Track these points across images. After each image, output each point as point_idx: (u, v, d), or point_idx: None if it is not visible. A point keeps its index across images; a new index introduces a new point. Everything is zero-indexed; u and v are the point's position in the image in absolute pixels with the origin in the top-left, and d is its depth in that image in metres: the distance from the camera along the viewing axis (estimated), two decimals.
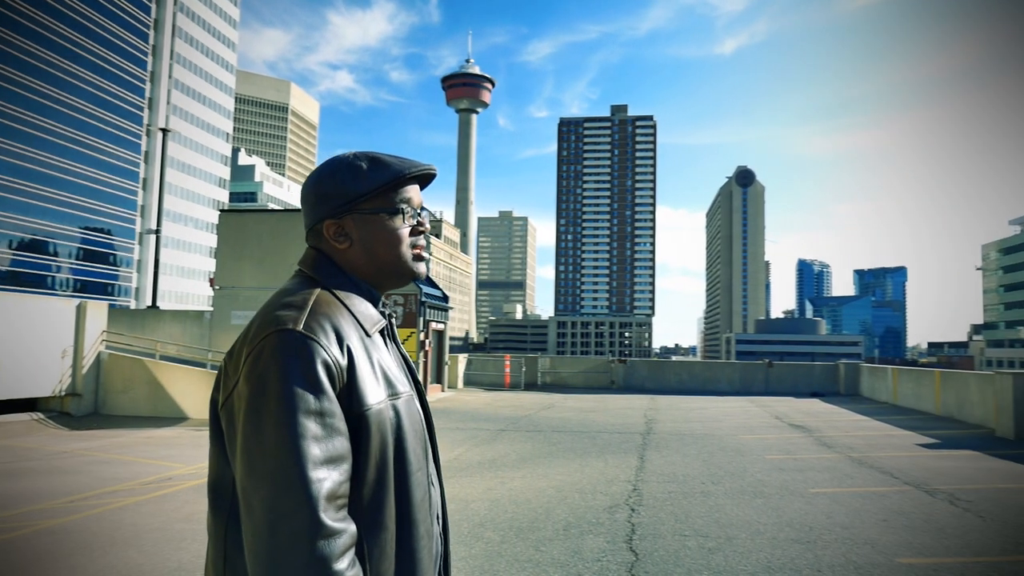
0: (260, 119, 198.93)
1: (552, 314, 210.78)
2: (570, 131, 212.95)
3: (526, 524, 6.30)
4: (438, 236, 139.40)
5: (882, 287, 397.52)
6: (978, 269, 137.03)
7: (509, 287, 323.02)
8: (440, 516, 1.38)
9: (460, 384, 24.74)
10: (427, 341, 20.41)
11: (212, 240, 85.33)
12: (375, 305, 1.34)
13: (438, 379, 22.36)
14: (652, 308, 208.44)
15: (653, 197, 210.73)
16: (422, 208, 1.40)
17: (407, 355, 1.43)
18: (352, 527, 1.11)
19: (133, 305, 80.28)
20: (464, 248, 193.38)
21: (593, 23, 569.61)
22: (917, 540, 5.91)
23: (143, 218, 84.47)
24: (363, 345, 1.23)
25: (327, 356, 1.13)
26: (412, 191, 1.37)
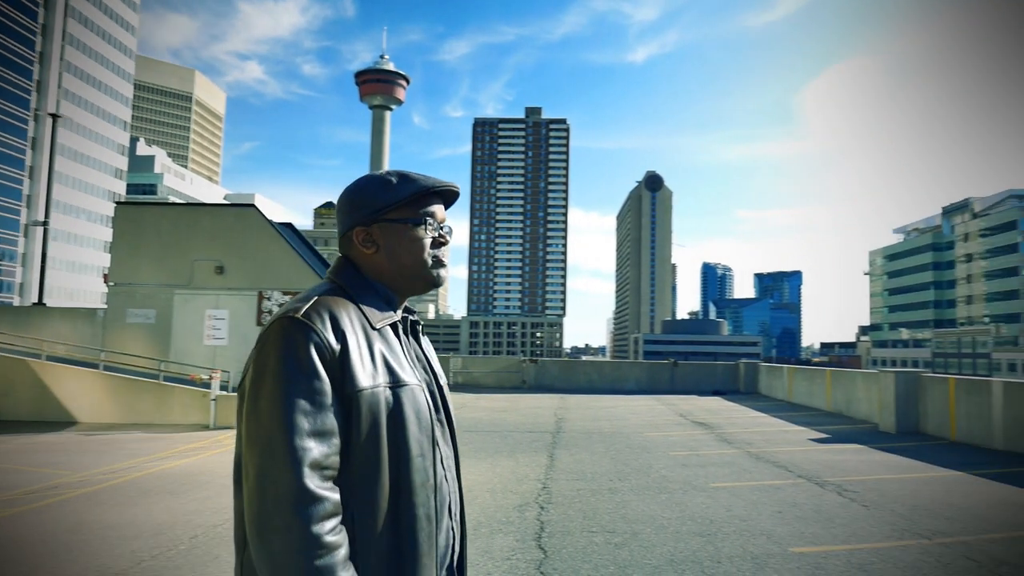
0: (162, 108, 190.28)
1: (465, 314, 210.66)
2: (485, 132, 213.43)
3: None
4: None
5: (780, 290, 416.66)
6: (865, 274, 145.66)
7: None
8: (456, 512, 1.47)
9: None
10: None
11: (107, 234, 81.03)
12: (389, 305, 1.45)
13: None
14: (564, 309, 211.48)
15: (565, 199, 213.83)
16: (443, 223, 1.53)
17: (431, 355, 1.54)
18: (336, 496, 1.20)
19: (17, 302, 75.14)
20: None
21: (510, 25, 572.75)
22: (809, 530, 6.23)
23: (29, 209, 79.16)
24: (364, 335, 1.33)
25: (320, 340, 1.25)
26: (435, 206, 1.51)
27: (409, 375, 1.37)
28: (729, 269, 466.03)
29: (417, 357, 1.48)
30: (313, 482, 1.17)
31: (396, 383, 1.33)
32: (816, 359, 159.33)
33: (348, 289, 1.41)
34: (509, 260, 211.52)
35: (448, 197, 1.56)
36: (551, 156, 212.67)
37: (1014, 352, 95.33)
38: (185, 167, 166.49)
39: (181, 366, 16.95)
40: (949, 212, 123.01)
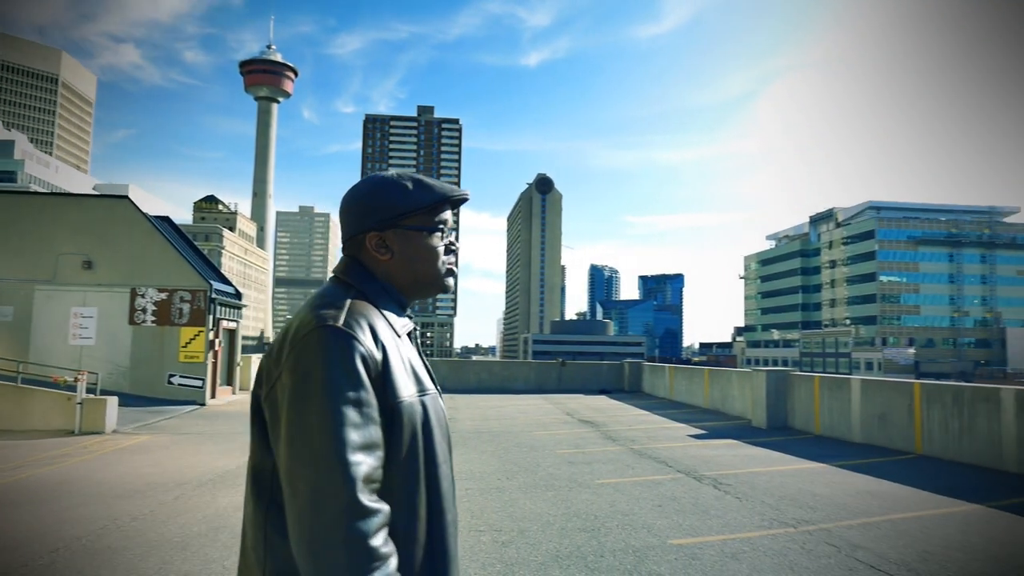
0: (24, 89, 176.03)
1: None
2: (376, 128, 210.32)
3: None
4: (232, 229, 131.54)
5: (663, 292, 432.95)
6: (741, 278, 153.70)
7: (309, 285, 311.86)
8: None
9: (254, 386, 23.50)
10: (217, 341, 19.15)
11: None
12: (403, 311, 1.45)
13: (228, 381, 21.05)
14: (454, 309, 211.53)
15: None
16: (452, 229, 1.53)
17: (426, 360, 1.50)
18: (386, 507, 1.18)
19: None
20: (261, 243, 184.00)
21: (404, 22, 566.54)
22: (686, 522, 6.50)
23: None
24: (395, 344, 1.33)
25: (364, 350, 1.23)
26: (448, 213, 1.50)
27: (429, 383, 1.39)
28: (616, 271, 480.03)
29: (425, 364, 1.47)
30: (366, 496, 1.15)
31: (423, 391, 1.35)
32: (696, 358, 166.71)
33: (368, 295, 1.39)
34: None
35: (456, 203, 1.53)
36: (443, 156, 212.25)
37: (871, 352, 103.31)
38: (50, 154, 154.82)
39: (42, 367, 15.74)
40: (816, 221, 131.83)
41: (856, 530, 6.29)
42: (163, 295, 18.58)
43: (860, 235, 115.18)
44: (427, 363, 1.48)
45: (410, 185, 1.44)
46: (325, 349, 1.21)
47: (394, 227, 1.42)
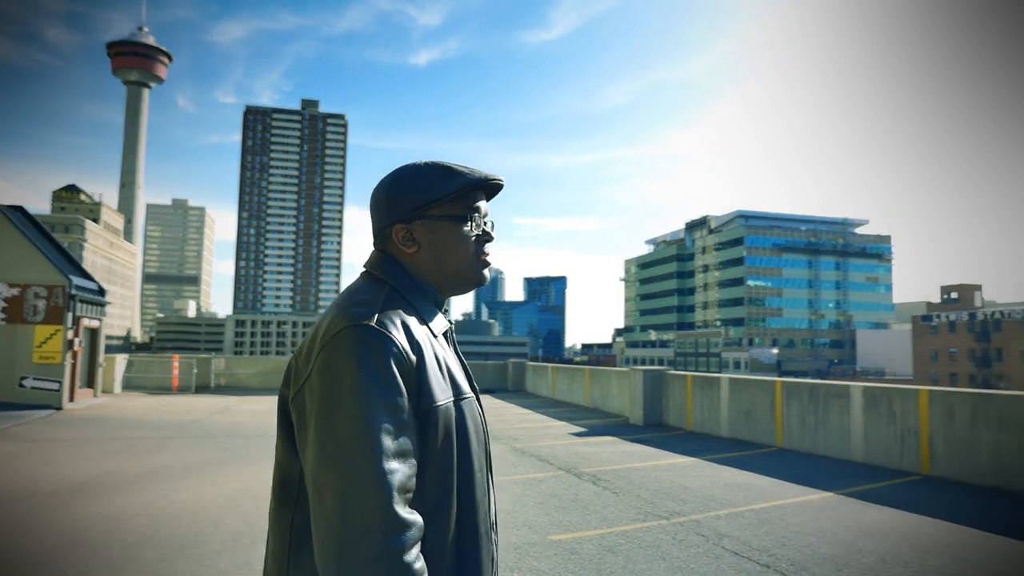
0: None
1: (230, 312, 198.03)
2: (257, 120, 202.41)
3: (191, 539, 5.83)
4: (96, 221, 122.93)
5: (547, 293, 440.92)
6: (621, 280, 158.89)
7: (182, 282, 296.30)
8: (495, 525, 1.37)
9: (118, 388, 22.03)
10: (77, 340, 17.83)
11: None
12: (439, 308, 1.37)
13: (90, 383, 19.65)
14: None
15: (342, 196, 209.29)
16: (487, 217, 1.41)
17: (465, 360, 1.43)
18: (419, 520, 1.10)
19: None
20: (129, 236, 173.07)
21: (290, 13, 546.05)
22: (566, 518, 6.67)
23: None
24: (430, 344, 1.25)
25: (399, 351, 1.15)
26: (480, 200, 1.39)
27: (466, 386, 1.30)
28: (502, 272, 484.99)
29: (461, 364, 1.38)
30: (400, 507, 1.07)
31: (459, 396, 1.26)
32: (578, 358, 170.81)
33: (402, 290, 1.30)
34: (281, 256, 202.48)
35: (491, 189, 1.43)
36: (328, 151, 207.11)
37: (738, 351, 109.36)
38: None
39: None
40: (691, 227, 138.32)
41: (723, 520, 6.66)
42: (15, 291, 17.11)
43: (730, 242, 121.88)
44: (465, 364, 1.40)
45: (435, 173, 1.34)
46: (357, 349, 1.13)
47: (420, 218, 1.33)
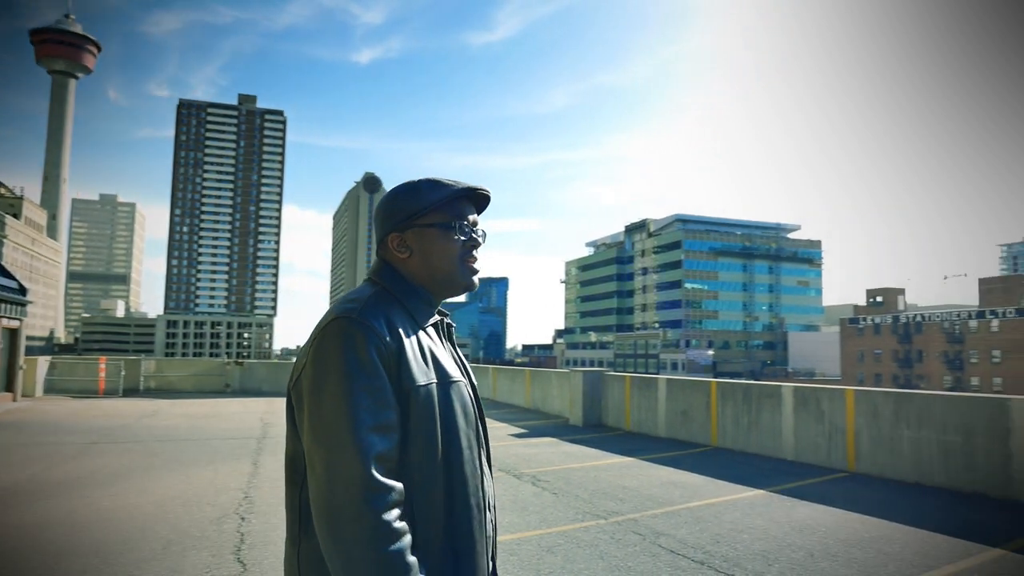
0: None
1: (161, 312, 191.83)
2: (191, 115, 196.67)
3: (117, 547, 5.62)
4: (17, 216, 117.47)
5: (488, 295, 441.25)
6: (562, 282, 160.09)
7: (110, 280, 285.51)
8: (493, 505, 1.52)
9: (39, 392, 21.09)
10: None
11: None
12: (430, 307, 1.52)
13: (9, 387, 18.75)
14: (275, 308, 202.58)
15: (280, 194, 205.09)
16: (476, 226, 1.56)
17: (464, 358, 1.60)
18: (399, 485, 1.26)
19: None
20: (52, 233, 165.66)
21: (228, 6, 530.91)
22: (506, 519, 6.68)
23: None
24: (414, 334, 1.42)
25: (378, 339, 1.32)
26: (467, 209, 1.55)
27: (455, 372, 1.46)
28: None
29: (453, 357, 1.54)
30: (379, 473, 1.23)
31: (445, 379, 1.41)
32: (519, 360, 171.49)
33: (392, 291, 1.47)
34: (215, 255, 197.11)
35: (480, 201, 1.60)
36: (265, 148, 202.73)
37: (676, 353, 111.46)
38: None
39: None
40: (630, 230, 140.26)
41: (660, 518, 6.78)
42: None
43: (669, 245, 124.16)
44: (459, 356, 1.58)
45: (424, 186, 1.51)
46: (340, 338, 1.30)
47: (411, 227, 1.50)
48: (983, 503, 7.66)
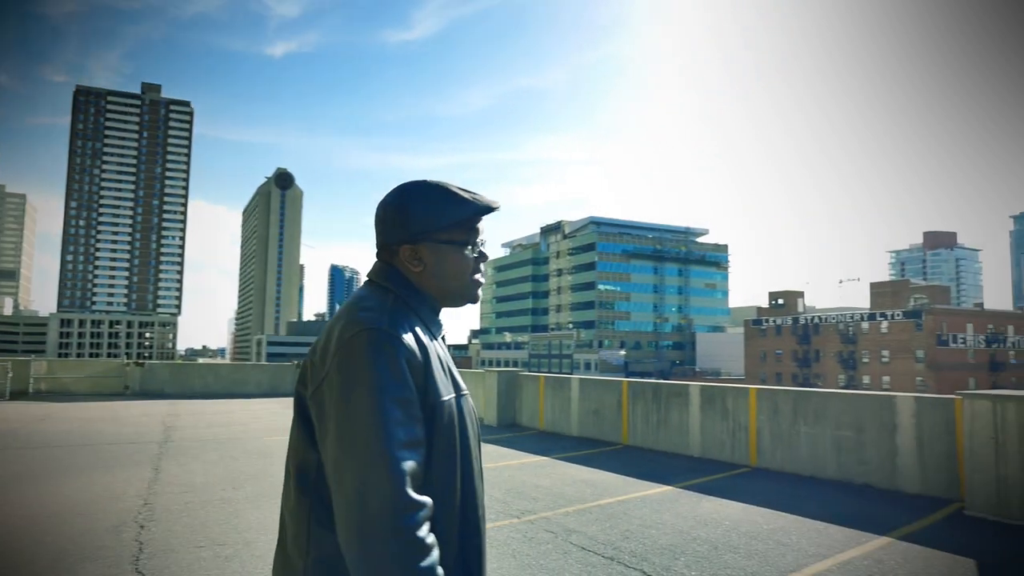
0: None
1: (54, 310, 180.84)
2: (89, 102, 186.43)
3: (8, 560, 5.28)
4: None
5: None
6: None
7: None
8: (483, 517, 1.51)
9: None
10: None
11: None
12: (436, 315, 1.50)
13: None
14: (179, 307, 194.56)
15: (186, 188, 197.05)
16: (481, 236, 1.53)
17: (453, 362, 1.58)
18: (429, 501, 1.24)
19: None
20: None
21: None
22: None
23: None
24: (432, 346, 1.39)
25: (408, 352, 1.30)
26: (480, 224, 1.51)
27: (463, 384, 1.46)
28: (357, 272, 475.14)
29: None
30: (412, 490, 1.21)
31: (459, 393, 1.42)
32: None
33: (405, 299, 1.43)
34: (115, 251, 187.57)
35: (489, 214, 1.54)
36: (171, 140, 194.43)
37: (589, 353, 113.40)
38: None
39: None
40: (546, 232, 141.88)
41: (572, 516, 6.89)
42: None
43: (583, 247, 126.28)
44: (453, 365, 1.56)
45: (442, 197, 1.45)
46: (373, 351, 1.27)
47: (426, 240, 1.45)
48: (872, 494, 8.14)
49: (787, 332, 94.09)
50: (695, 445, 11.00)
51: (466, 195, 1.47)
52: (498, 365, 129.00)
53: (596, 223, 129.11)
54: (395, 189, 1.50)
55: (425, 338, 1.38)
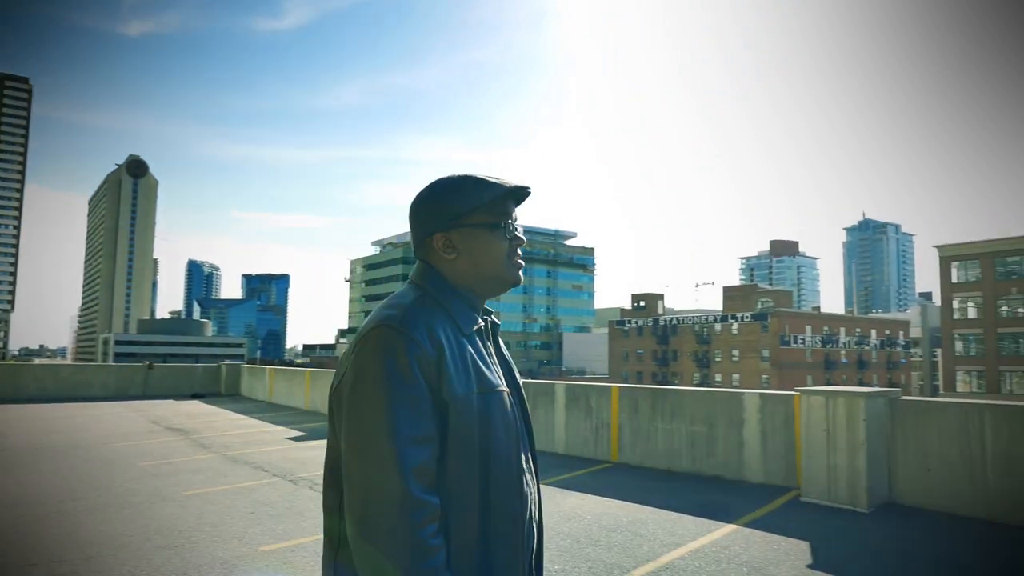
0: None
1: None
2: None
3: None
4: None
5: (267, 292, 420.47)
6: (346, 281, 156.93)
7: None
8: (536, 512, 1.50)
9: None
10: None
11: None
12: (473, 310, 1.48)
13: None
14: (11, 303, 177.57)
15: (22, 172, 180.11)
16: (516, 222, 1.53)
17: (509, 357, 1.56)
18: (436, 501, 1.25)
19: None
20: None
21: None
22: (280, 527, 6.42)
23: None
24: (457, 341, 1.38)
25: (418, 348, 1.29)
26: (510, 207, 1.52)
27: (497, 380, 1.42)
28: (217, 268, 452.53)
29: (499, 360, 1.52)
30: (416, 488, 1.22)
31: (486, 388, 1.37)
32: (299, 360, 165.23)
33: (435, 295, 1.43)
34: None
35: (520, 196, 1.54)
36: (4, 119, 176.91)
37: None
38: None
39: None
40: None
41: None
42: None
43: None
44: (506, 357, 1.55)
45: (470, 184, 1.47)
46: (382, 347, 1.29)
47: (458, 227, 1.46)
48: (721, 485, 8.67)
49: (648, 333, 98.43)
50: (560, 442, 11.28)
51: (493, 179, 1.50)
52: None
53: None
54: (424, 187, 1.53)
55: (445, 333, 1.37)
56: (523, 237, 1.56)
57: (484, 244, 1.48)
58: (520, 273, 1.55)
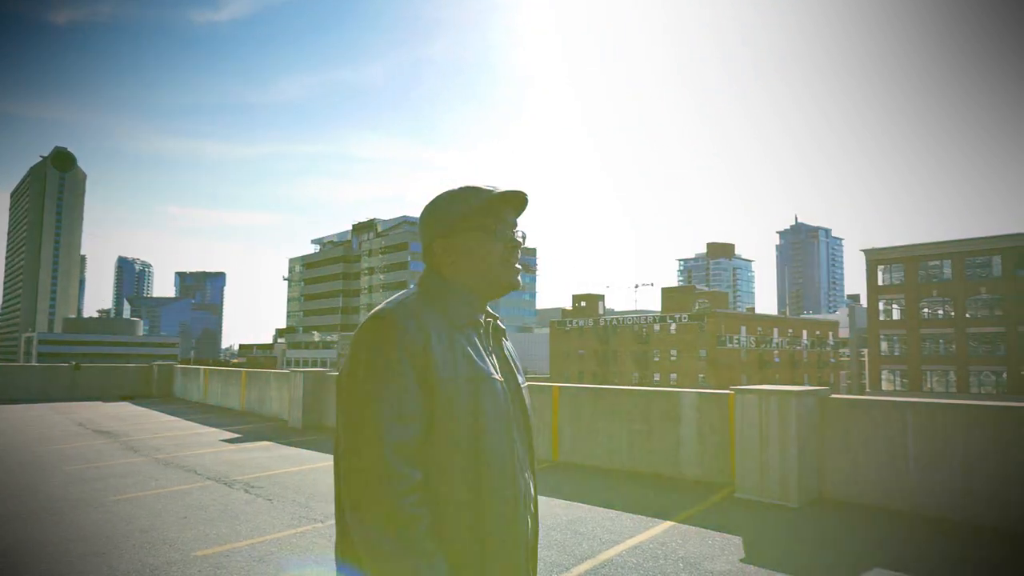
0: None
1: None
2: None
3: None
4: None
5: (202, 291, 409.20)
6: (285, 279, 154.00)
7: None
8: (531, 503, 1.57)
9: None
10: None
11: None
12: (471, 307, 1.57)
13: None
14: None
15: None
16: (515, 229, 1.63)
17: (514, 355, 1.70)
18: (417, 475, 1.36)
19: None
20: None
21: None
22: (213, 531, 6.26)
23: None
24: (447, 332, 1.47)
25: (405, 335, 1.41)
26: (506, 212, 1.62)
27: (489, 370, 1.50)
28: (149, 265, 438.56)
29: (498, 356, 1.61)
30: (395, 461, 1.32)
31: (476, 376, 1.46)
32: (235, 360, 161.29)
33: (432, 293, 1.55)
34: None
35: (518, 204, 1.63)
36: None
37: None
38: None
39: None
40: (358, 229, 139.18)
41: None
42: None
43: (396, 246, 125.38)
44: (510, 355, 1.67)
45: (465, 192, 1.59)
46: (370, 334, 1.42)
47: (455, 233, 1.57)
48: (659, 483, 8.83)
49: (589, 333, 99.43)
50: None
51: (486, 187, 1.60)
52: (306, 365, 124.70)
53: (410, 222, 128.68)
54: (432, 199, 1.65)
55: (436, 324, 1.47)
56: (520, 241, 1.64)
57: (477, 248, 1.58)
58: (517, 277, 1.64)
